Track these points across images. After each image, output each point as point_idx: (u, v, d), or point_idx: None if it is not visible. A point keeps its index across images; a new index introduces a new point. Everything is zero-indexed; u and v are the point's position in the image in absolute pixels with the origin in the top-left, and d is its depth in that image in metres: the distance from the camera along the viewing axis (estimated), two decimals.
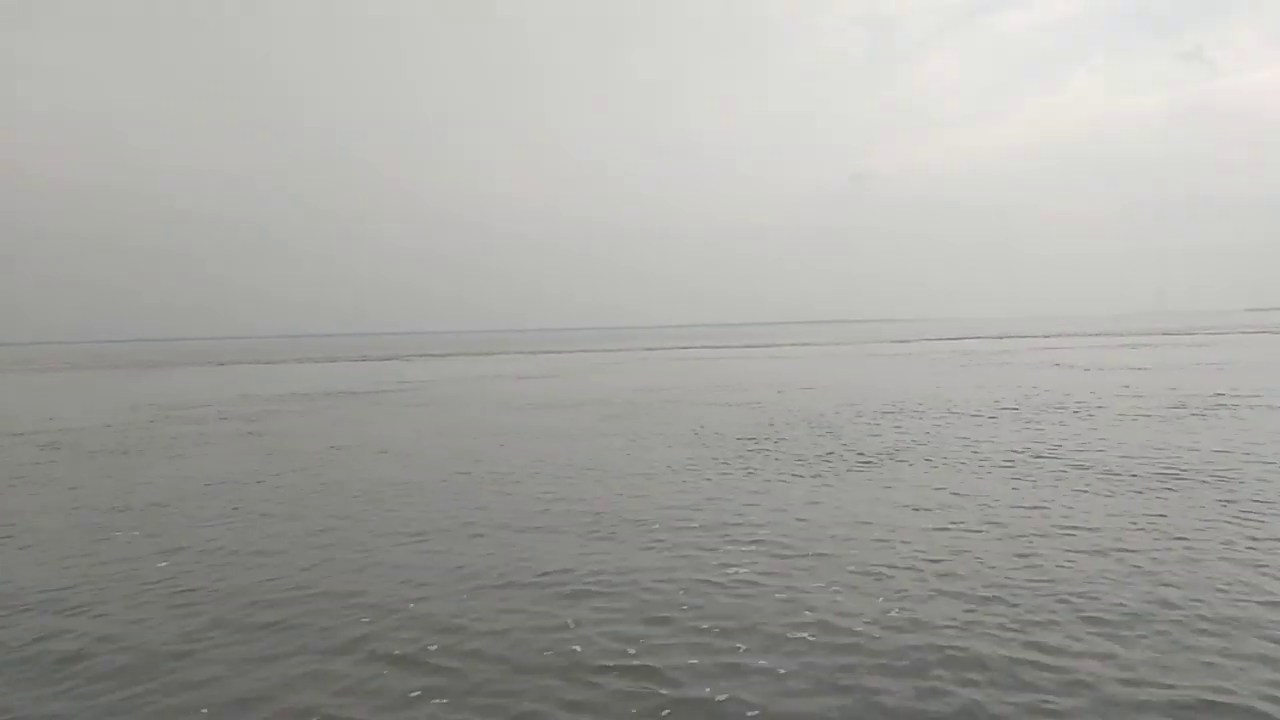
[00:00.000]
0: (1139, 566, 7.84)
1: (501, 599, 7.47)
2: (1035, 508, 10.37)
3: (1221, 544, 8.48)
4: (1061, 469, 12.84)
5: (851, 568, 8.01)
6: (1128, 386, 25.92)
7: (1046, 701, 5.33)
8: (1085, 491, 11.18)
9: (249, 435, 20.22)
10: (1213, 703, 5.25)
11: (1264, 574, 7.51)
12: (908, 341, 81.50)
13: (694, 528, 9.78)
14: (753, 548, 8.85)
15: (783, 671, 5.78)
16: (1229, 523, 9.30)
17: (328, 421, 22.91)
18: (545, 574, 8.16)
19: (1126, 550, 8.36)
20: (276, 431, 20.83)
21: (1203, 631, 6.28)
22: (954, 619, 6.67)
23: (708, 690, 5.56)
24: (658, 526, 9.87)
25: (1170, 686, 5.45)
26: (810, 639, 6.31)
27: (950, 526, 9.56)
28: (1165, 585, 7.30)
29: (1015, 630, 6.41)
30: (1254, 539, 8.65)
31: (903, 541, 8.94)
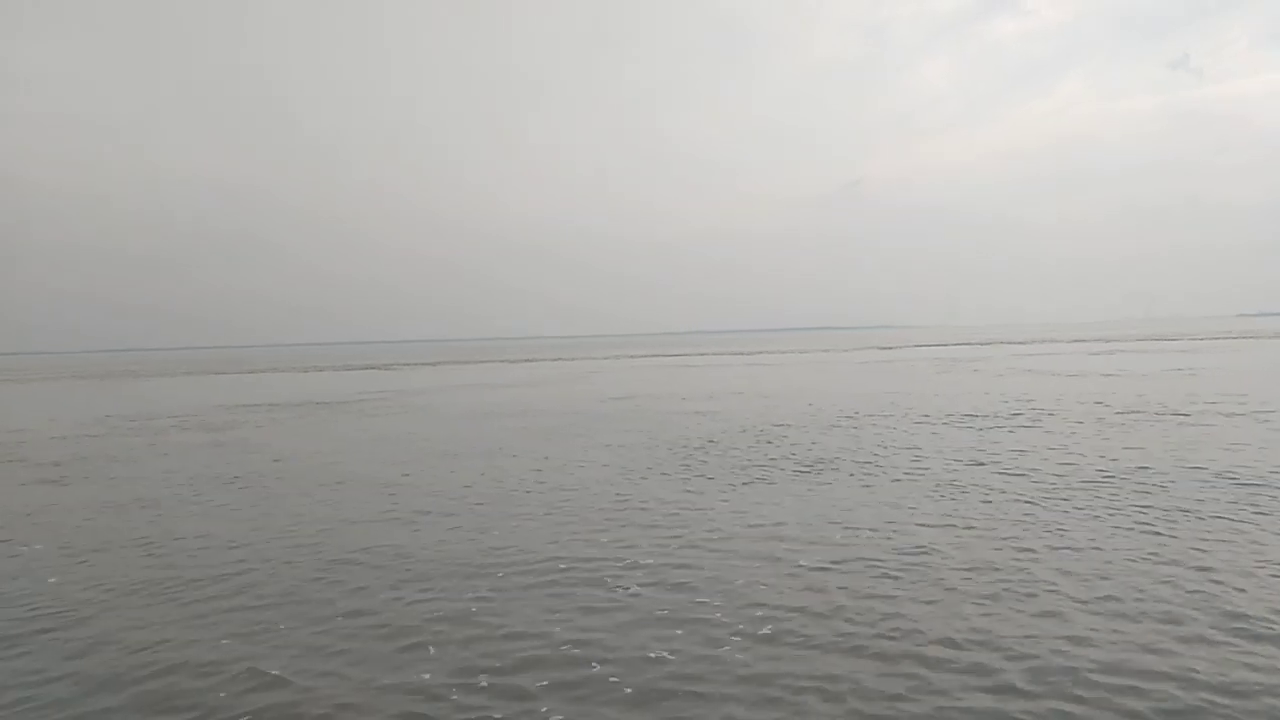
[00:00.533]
0: (1021, 571, 7.78)
1: (372, 612, 7.37)
2: (946, 514, 10.35)
3: (1125, 551, 8.43)
4: (992, 476, 12.81)
5: (741, 580, 7.94)
6: (1093, 393, 25.91)
7: (884, 708, 5.28)
8: (1004, 496, 11.15)
9: (201, 447, 20.09)
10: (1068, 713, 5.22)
11: (1161, 581, 7.47)
12: (894, 348, 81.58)
13: (603, 535, 9.72)
14: (651, 559, 8.78)
15: (629, 690, 5.71)
16: (1143, 531, 9.25)
17: (284, 432, 22.80)
18: (439, 584, 8.08)
19: (1021, 552, 8.32)
20: (230, 442, 20.71)
21: (1076, 624, 6.24)
22: (821, 630, 6.61)
23: (544, 709, 5.50)
24: (559, 542, 9.80)
25: (1036, 697, 5.40)
26: (670, 656, 6.24)
27: (851, 530, 9.51)
28: (1040, 588, 7.25)
29: (873, 637, 6.36)
30: (1162, 544, 8.62)
31: (800, 549, 8.88)
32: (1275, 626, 6.37)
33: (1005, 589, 7.44)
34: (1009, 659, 5.93)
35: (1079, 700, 5.31)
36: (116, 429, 25.01)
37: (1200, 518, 9.74)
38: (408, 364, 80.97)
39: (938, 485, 12.27)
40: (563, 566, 8.60)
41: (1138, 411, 20.47)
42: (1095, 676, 5.60)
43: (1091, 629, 6.43)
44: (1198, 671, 5.64)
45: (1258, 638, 6.17)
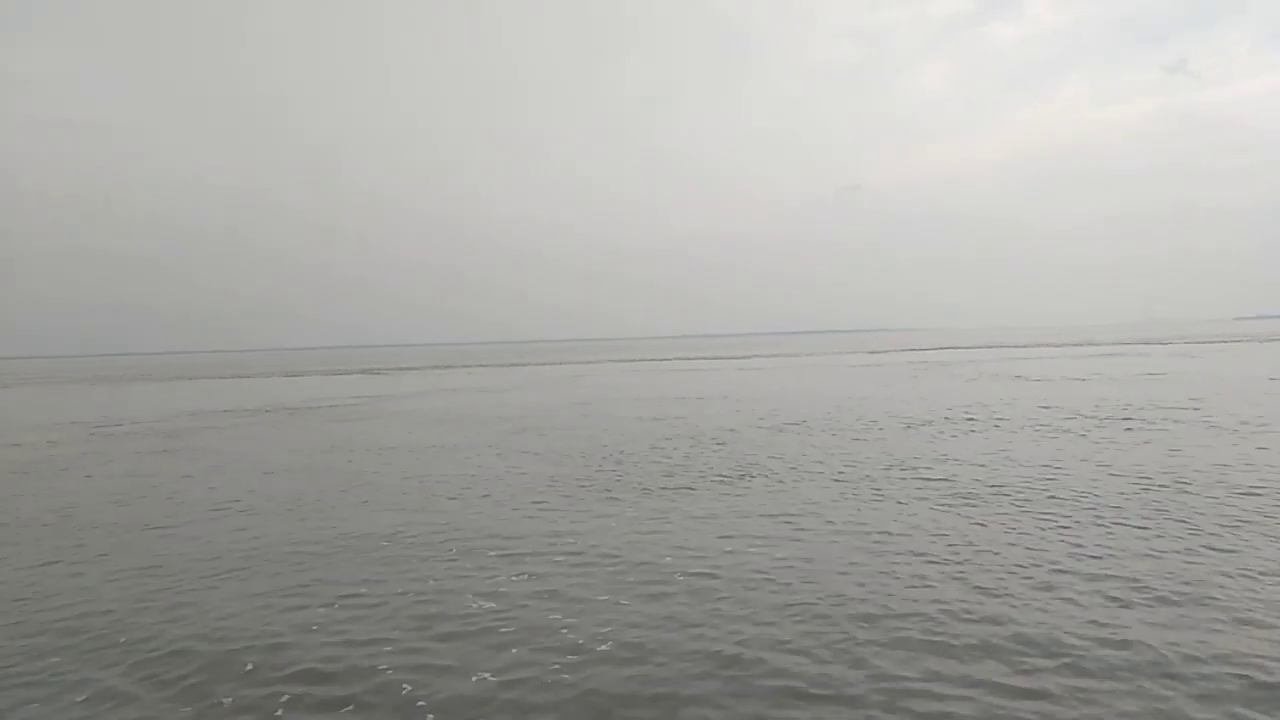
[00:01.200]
0: (895, 583, 7.76)
1: (231, 614, 7.39)
2: (856, 523, 10.33)
3: (1006, 554, 8.40)
4: (913, 482, 12.80)
5: (604, 594, 7.91)
6: (1053, 399, 25.87)
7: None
8: (919, 502, 11.11)
9: (153, 454, 20.07)
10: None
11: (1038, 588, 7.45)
12: (883, 352, 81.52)
13: (481, 547, 9.69)
14: (523, 573, 8.74)
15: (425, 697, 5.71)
16: (1043, 536, 9.22)
17: (239, 440, 22.73)
18: (282, 592, 8.07)
19: (898, 561, 8.29)
20: (180, 450, 20.68)
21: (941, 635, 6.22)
22: (652, 644, 6.59)
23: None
24: (454, 548, 9.80)
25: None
26: (491, 674, 6.23)
27: (731, 537, 9.50)
28: (912, 598, 7.23)
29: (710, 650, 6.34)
30: (1068, 552, 8.58)
31: (682, 560, 8.85)
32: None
33: (869, 604, 7.41)
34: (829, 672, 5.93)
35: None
36: (78, 436, 25.02)
37: (1103, 524, 9.72)
38: (399, 368, 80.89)
39: (856, 492, 12.27)
40: (418, 572, 8.61)
41: (1081, 417, 20.46)
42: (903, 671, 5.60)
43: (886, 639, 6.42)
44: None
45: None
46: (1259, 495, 11.03)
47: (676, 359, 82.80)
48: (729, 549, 9.31)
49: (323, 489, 14.19)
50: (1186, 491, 11.43)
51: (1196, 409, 21.15)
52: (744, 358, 79.57)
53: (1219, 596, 7.18)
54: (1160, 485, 11.86)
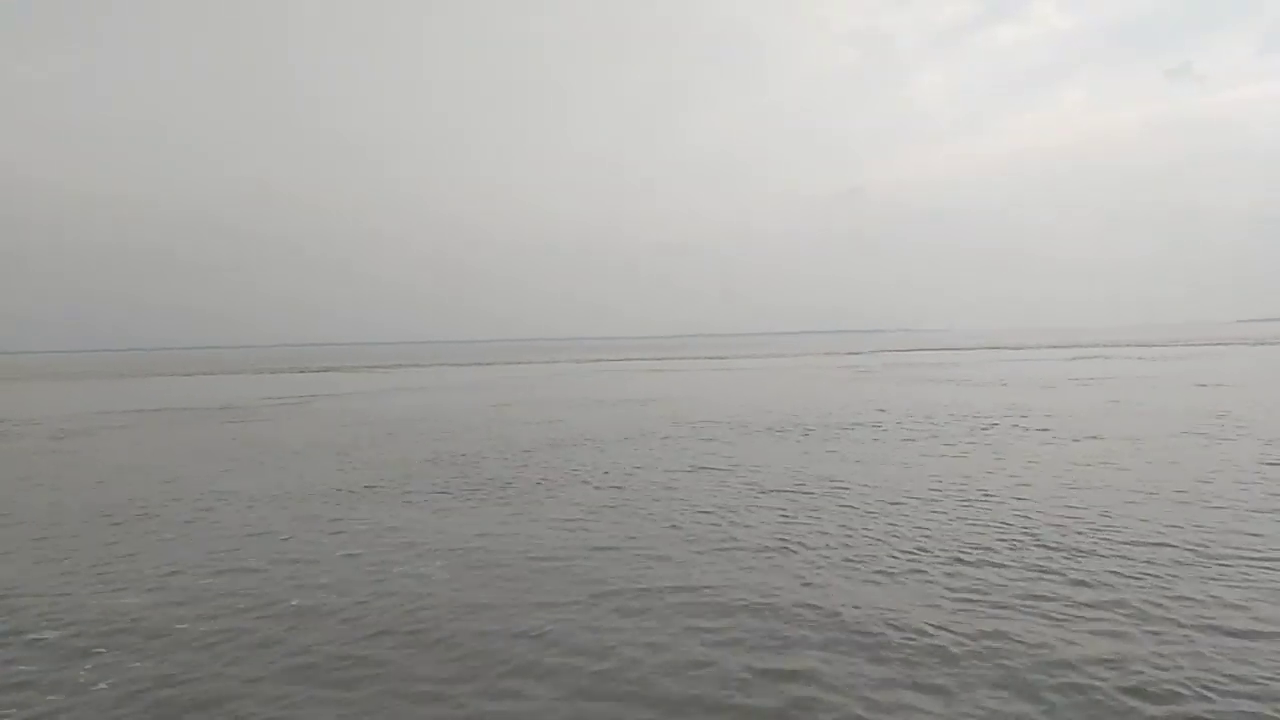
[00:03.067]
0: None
1: None
2: (577, 528, 10.22)
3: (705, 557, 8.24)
4: (717, 486, 12.95)
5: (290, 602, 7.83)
6: (963, 403, 25.67)
7: None
8: (684, 503, 11.08)
9: (29, 455, 20.08)
10: None
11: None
12: (858, 354, 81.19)
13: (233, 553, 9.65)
14: (227, 576, 8.68)
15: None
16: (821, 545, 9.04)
17: (131, 440, 22.67)
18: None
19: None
20: (64, 450, 20.68)
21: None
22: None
23: None
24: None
25: None
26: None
27: (442, 551, 9.47)
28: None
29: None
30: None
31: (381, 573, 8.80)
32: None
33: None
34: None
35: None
36: None
37: (849, 534, 9.54)
38: (371, 366, 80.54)
39: (631, 499, 12.35)
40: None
41: (968, 423, 20.32)
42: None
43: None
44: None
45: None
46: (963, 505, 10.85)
47: (656, 359, 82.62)
48: (390, 560, 9.21)
49: (121, 494, 14.15)
50: (915, 497, 11.66)
51: (1071, 417, 21.02)
52: (724, 359, 79.39)
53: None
54: (914, 493, 11.90)
